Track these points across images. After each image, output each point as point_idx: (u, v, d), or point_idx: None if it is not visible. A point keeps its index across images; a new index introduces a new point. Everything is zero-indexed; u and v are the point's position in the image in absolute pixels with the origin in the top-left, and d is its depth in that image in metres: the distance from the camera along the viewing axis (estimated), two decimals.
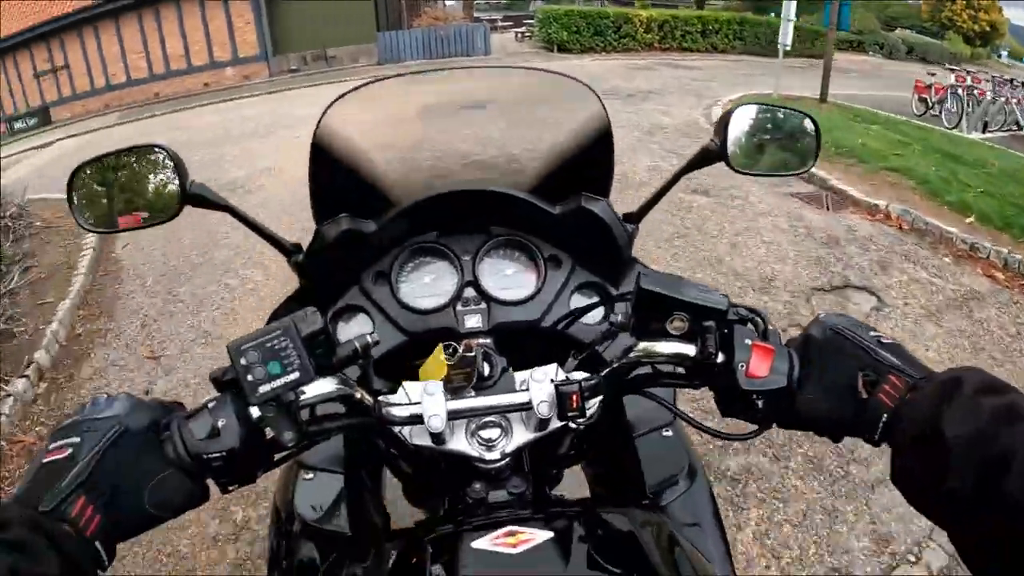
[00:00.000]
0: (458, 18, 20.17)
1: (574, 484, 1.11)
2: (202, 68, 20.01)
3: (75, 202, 0.90)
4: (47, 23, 21.52)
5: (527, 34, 23.08)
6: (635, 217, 1.00)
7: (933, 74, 12.23)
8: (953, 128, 10.67)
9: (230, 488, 0.64)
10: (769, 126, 1.02)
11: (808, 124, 1.00)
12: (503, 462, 0.75)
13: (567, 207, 0.94)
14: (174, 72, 20.03)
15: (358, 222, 0.92)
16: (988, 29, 52.92)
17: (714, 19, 21.86)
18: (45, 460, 0.57)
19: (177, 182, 0.86)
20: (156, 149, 0.88)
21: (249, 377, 0.61)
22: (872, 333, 0.64)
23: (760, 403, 0.66)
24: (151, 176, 0.94)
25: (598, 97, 0.96)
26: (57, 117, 23.31)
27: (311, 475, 0.91)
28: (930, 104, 11.78)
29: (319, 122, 0.93)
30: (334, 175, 0.98)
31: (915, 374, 0.59)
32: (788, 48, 10.40)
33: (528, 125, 1.12)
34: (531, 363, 0.77)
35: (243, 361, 0.62)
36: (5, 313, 3.87)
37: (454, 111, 1.11)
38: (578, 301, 0.96)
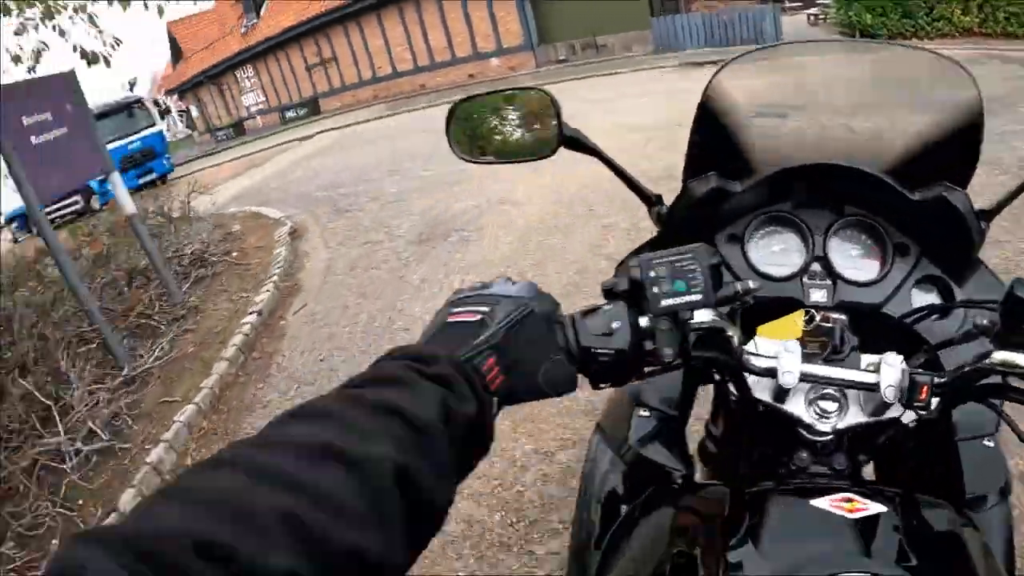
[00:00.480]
0: (740, 0, 17.83)
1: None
2: (466, 59, 20.64)
3: (452, 133, 1.03)
4: (314, 19, 23.44)
5: (821, 17, 20.11)
6: (988, 215, 0.95)
7: None
8: None
9: (601, 385, 0.70)
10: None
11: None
12: (830, 437, 0.77)
13: (926, 195, 0.91)
14: (439, 64, 21.23)
15: (726, 182, 0.97)
16: None
17: None
18: (451, 320, 0.65)
19: (555, 124, 0.96)
20: (537, 91, 0.99)
21: (655, 289, 0.68)
22: None
23: None
24: (530, 116, 1.04)
25: (974, 81, 0.92)
26: (326, 107, 24.76)
27: (647, 412, 0.97)
28: None
29: (708, 84, 0.98)
30: (712, 135, 1.02)
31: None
32: None
33: (898, 105, 1.12)
34: (870, 350, 0.77)
35: (652, 274, 0.68)
36: (113, 421, 3.49)
37: (830, 84, 1.16)
38: (918, 293, 0.96)
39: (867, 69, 1.17)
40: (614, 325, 0.68)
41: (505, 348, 0.63)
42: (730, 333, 0.72)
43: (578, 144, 0.97)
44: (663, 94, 10.27)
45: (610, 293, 0.71)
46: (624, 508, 0.90)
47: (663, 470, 0.93)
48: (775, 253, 1.02)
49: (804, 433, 0.79)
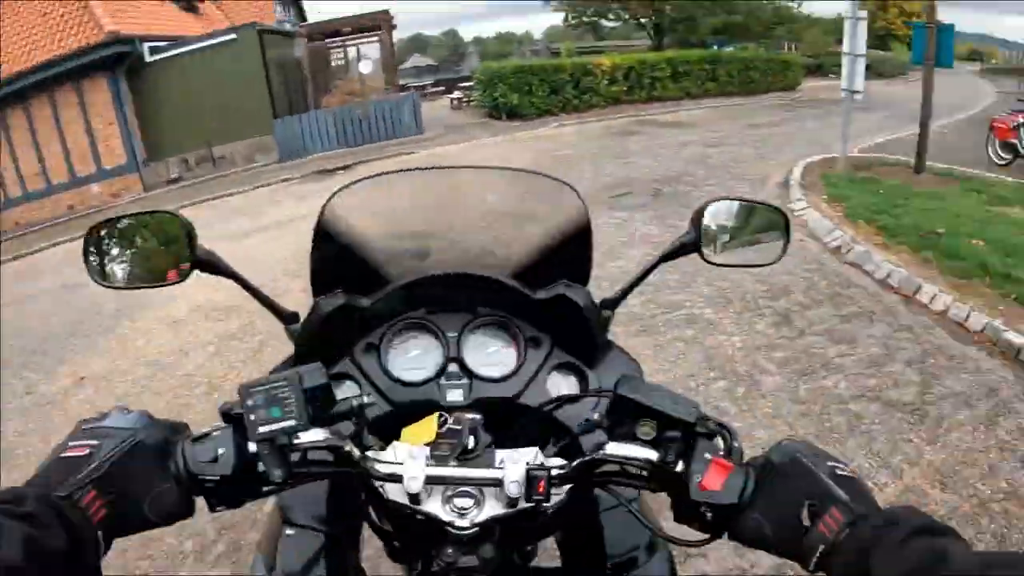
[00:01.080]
0: (379, 89, 17.21)
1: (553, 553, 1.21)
2: (65, 186, 16.87)
3: (90, 259, 1.05)
4: None
5: (465, 100, 18.80)
6: (612, 304, 1.11)
7: (1021, 111, 10.37)
8: None
9: (218, 508, 0.76)
10: (741, 220, 1.13)
11: (778, 219, 1.12)
12: (474, 530, 0.82)
13: (548, 293, 1.06)
14: (33, 194, 17.05)
15: (353, 298, 1.05)
16: None
17: (683, 60, 20.27)
18: (64, 455, 0.69)
19: (188, 247, 1.01)
20: (168, 215, 1.05)
21: (252, 417, 0.73)
22: (830, 463, 0.70)
23: (709, 515, 0.72)
24: (163, 239, 1.07)
25: (577, 193, 1.10)
26: None
27: (293, 531, 1.02)
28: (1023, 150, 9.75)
29: (324, 206, 1.07)
30: (333, 254, 1.11)
31: (857, 509, 0.64)
32: (859, 95, 8.78)
33: (513, 218, 1.27)
34: (519, 445, 0.86)
35: (249, 402, 0.73)
36: None
37: (445, 203, 1.26)
38: (555, 379, 1.07)
39: (482, 189, 1.30)
40: (220, 451, 0.74)
41: (107, 480, 0.67)
42: (346, 448, 0.79)
43: (212, 267, 1.02)
44: (276, 227, 9.15)
45: (226, 416, 0.77)
46: None
47: None
48: (413, 358, 1.09)
49: (450, 530, 0.83)
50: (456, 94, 20.81)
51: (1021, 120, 9.71)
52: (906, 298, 4.69)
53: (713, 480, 0.73)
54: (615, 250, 5.93)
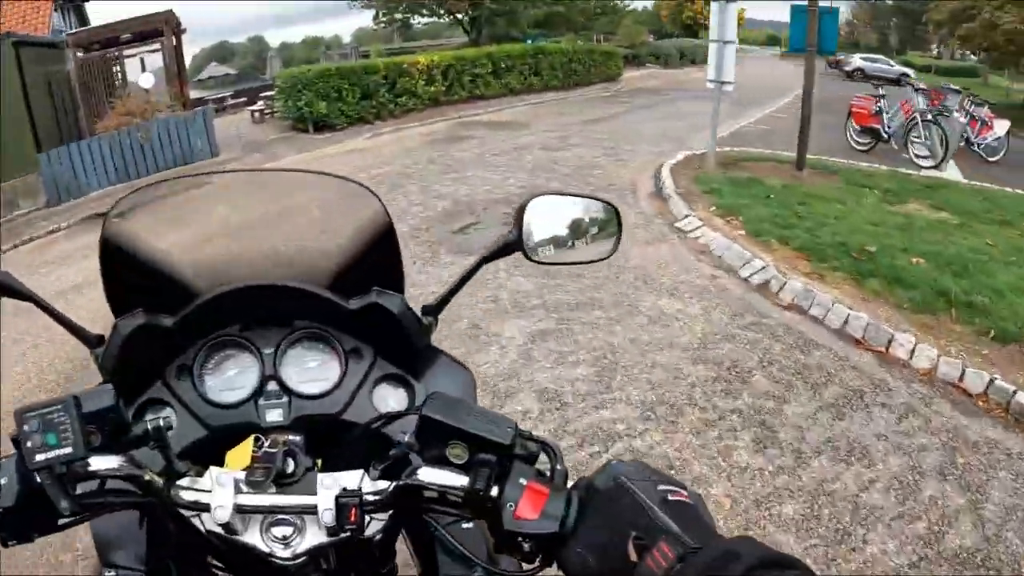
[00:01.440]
0: (163, 107, 14.07)
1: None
2: None
3: None
4: None
5: (268, 111, 15.90)
6: (434, 309, 1.09)
7: (881, 95, 10.33)
8: (933, 168, 9.10)
9: (8, 543, 0.71)
10: (568, 215, 1.09)
11: (609, 212, 1.09)
12: (300, 561, 0.79)
13: (361, 302, 1.03)
14: None
15: (155, 317, 0.98)
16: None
17: (505, 55, 19.16)
18: None
19: None
20: None
21: (28, 444, 0.67)
22: (662, 487, 0.64)
23: (528, 545, 0.68)
24: None
25: (377, 197, 1.07)
26: None
27: (113, 572, 0.96)
28: (887, 134, 9.86)
29: (107, 216, 1.01)
30: (127, 269, 1.05)
31: (690, 543, 0.59)
32: (729, 86, 7.97)
33: (317, 224, 1.25)
34: (350, 466, 0.82)
35: (25, 427, 0.68)
36: None
37: (244, 209, 1.21)
38: (382, 393, 1.05)
39: (281, 193, 1.24)
40: (2, 481, 0.70)
41: None
42: (146, 477, 0.74)
43: (8, 289, 0.96)
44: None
45: (15, 441, 0.70)
46: None
47: None
48: (230, 378, 1.04)
49: (274, 560, 0.79)
50: (258, 105, 17.83)
51: (882, 105, 9.67)
52: (880, 354, 3.85)
53: (528, 508, 0.68)
54: (489, 330, 4.27)
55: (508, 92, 18.23)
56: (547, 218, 1.08)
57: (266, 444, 0.82)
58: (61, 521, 0.74)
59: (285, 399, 1.03)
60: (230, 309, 1.05)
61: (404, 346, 1.07)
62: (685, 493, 0.65)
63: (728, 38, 7.22)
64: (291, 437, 0.88)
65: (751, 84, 23.08)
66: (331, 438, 0.98)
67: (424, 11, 28.86)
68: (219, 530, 0.78)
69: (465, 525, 0.94)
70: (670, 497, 0.64)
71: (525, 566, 0.72)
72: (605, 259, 1.10)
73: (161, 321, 1.00)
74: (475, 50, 19.00)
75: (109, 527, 0.90)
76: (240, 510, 0.76)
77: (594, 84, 21.26)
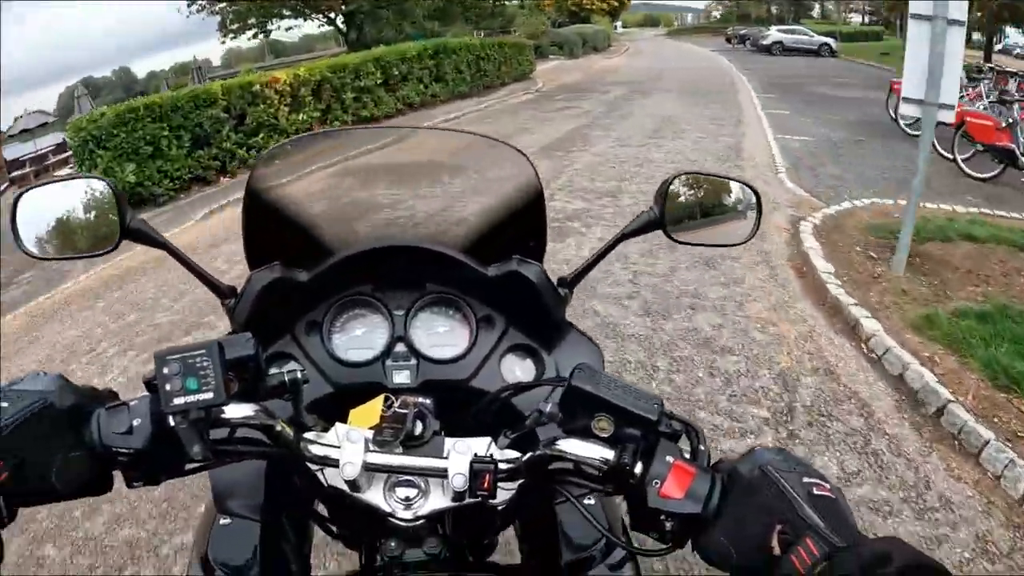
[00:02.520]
0: None
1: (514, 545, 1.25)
2: None
3: (18, 227, 1.03)
4: None
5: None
6: (570, 282, 1.13)
7: (1007, 101, 8.36)
8: None
9: (135, 484, 0.75)
10: (709, 196, 1.12)
11: (749, 195, 1.11)
12: (418, 523, 0.84)
13: (500, 270, 1.07)
14: None
15: (291, 271, 1.05)
16: (616, 4, 53.05)
17: (398, 57, 15.08)
18: None
19: (118, 216, 1.00)
20: (98, 180, 1.03)
21: (167, 387, 0.71)
22: (807, 479, 0.66)
23: (669, 524, 0.70)
24: (93, 207, 1.04)
25: (531, 163, 1.10)
26: None
27: (228, 520, 1.00)
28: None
29: (253, 170, 1.08)
30: (268, 222, 1.11)
31: (837, 542, 0.60)
32: (949, 114, 4.55)
33: (463, 186, 1.28)
34: (472, 432, 0.87)
35: (165, 370, 0.71)
36: None
37: (391, 167, 1.28)
38: (510, 362, 1.10)
39: (430, 153, 1.31)
40: (135, 423, 0.72)
41: (10, 443, 0.67)
42: (277, 428, 0.78)
43: (143, 236, 1.03)
44: None
45: (148, 385, 0.74)
46: None
47: None
48: (358, 337, 1.10)
49: (394, 521, 0.83)
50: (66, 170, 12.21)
51: (1016, 116, 7.59)
52: None
53: (674, 487, 0.69)
54: None
55: (407, 106, 15.19)
56: (688, 197, 1.10)
57: (396, 405, 0.85)
58: (188, 466, 0.77)
59: (413, 362, 1.06)
60: (364, 268, 1.09)
61: (538, 317, 1.10)
62: (828, 486, 0.67)
63: (954, 15, 4.12)
64: (421, 400, 0.90)
65: (681, 67, 24.12)
66: (453, 403, 0.98)
67: (285, 11, 22.93)
68: (343, 486, 0.82)
69: (587, 501, 0.95)
70: (815, 491, 0.65)
71: (658, 546, 0.74)
72: (743, 243, 1.12)
73: (296, 276, 1.05)
74: (358, 55, 14.41)
75: (227, 475, 0.93)
76: (368, 468, 0.80)
77: (507, 85, 19.50)
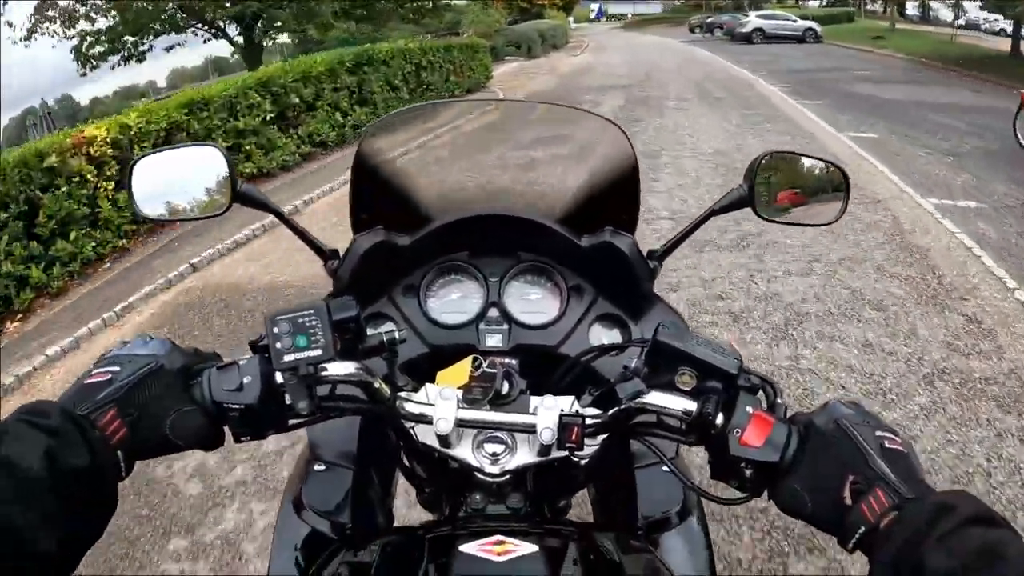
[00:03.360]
0: None
1: (585, 510, 1.40)
2: None
3: (134, 191, 1.13)
4: None
5: None
6: (659, 255, 1.20)
7: None
8: None
9: (242, 439, 0.83)
10: (797, 175, 1.16)
11: (838, 176, 1.16)
12: (504, 478, 0.93)
13: (593, 240, 1.14)
14: None
15: (393, 236, 1.14)
16: None
17: (300, 75, 9.84)
18: (86, 381, 0.77)
19: (229, 181, 1.10)
20: (211, 147, 1.12)
21: (277, 345, 0.79)
22: (879, 433, 0.73)
23: (748, 472, 0.77)
24: (204, 172, 1.11)
25: (627, 136, 1.17)
26: None
27: (323, 467, 1.11)
28: None
29: (362, 139, 1.19)
30: (373, 189, 1.20)
31: (905, 492, 0.66)
32: None
33: (559, 158, 1.34)
34: (554, 393, 0.96)
35: (275, 330, 0.80)
36: None
37: (490, 139, 1.34)
38: (597, 331, 1.18)
39: (528, 125, 1.36)
40: (245, 380, 0.80)
41: (127, 401, 0.75)
42: (376, 384, 0.87)
43: (253, 200, 1.12)
44: None
45: (253, 346, 0.85)
46: (310, 569, 1.03)
47: (338, 525, 1.07)
48: (453, 301, 1.19)
49: (479, 476, 0.93)
50: None
51: None
52: None
53: (754, 435, 0.75)
54: None
55: (317, 148, 10.44)
56: (777, 175, 1.16)
57: (484, 365, 0.93)
58: (292, 421, 0.86)
59: (505, 326, 1.15)
60: (461, 236, 1.18)
61: (627, 288, 1.17)
62: (899, 440, 0.73)
63: None
64: (508, 360, 1.02)
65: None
66: (536, 366, 1.09)
67: (155, 26, 16.74)
68: (434, 442, 0.91)
69: (664, 468, 1.02)
70: (887, 444, 0.71)
71: (735, 495, 0.82)
72: (830, 224, 1.20)
73: (397, 240, 1.14)
74: (239, 79, 9.04)
75: (323, 426, 0.99)
76: (460, 424, 0.88)
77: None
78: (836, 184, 1.15)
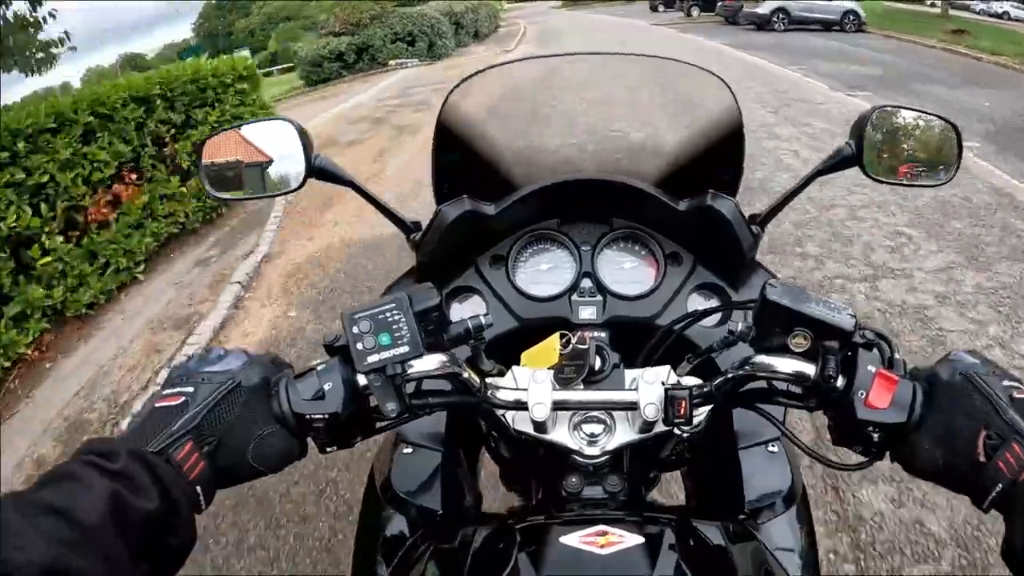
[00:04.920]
0: None
1: (671, 489, 1.40)
2: None
3: (204, 169, 1.13)
4: None
5: None
6: (761, 220, 1.14)
7: None
8: None
9: (328, 449, 0.80)
10: (907, 132, 1.11)
11: (951, 133, 1.11)
12: (602, 459, 0.90)
13: (693, 204, 1.08)
14: None
15: (478, 204, 1.09)
16: None
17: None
18: (157, 405, 0.73)
19: (303, 155, 1.07)
20: (285, 122, 1.09)
21: (359, 346, 0.75)
22: (1007, 383, 0.70)
23: (875, 436, 0.73)
24: (280, 148, 1.09)
25: (731, 90, 1.12)
26: None
27: (410, 450, 1.08)
28: None
29: (444, 103, 1.13)
30: (457, 156, 1.16)
31: None
32: None
33: (657, 116, 1.25)
34: (646, 365, 0.94)
35: (355, 330, 0.75)
36: None
37: (581, 97, 1.27)
38: (696, 302, 1.14)
39: (620, 80, 1.27)
40: (327, 387, 0.76)
41: (204, 430, 0.72)
42: (464, 375, 0.83)
43: (328, 174, 1.09)
44: None
45: (330, 348, 0.81)
46: (398, 554, 1.01)
47: (427, 510, 1.04)
48: (543, 272, 1.15)
49: (576, 458, 0.90)
50: None
51: None
52: None
53: (880, 396, 0.71)
54: None
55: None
56: (885, 133, 1.10)
57: (574, 341, 0.90)
58: (380, 424, 0.83)
59: (599, 298, 1.10)
60: (550, 202, 1.13)
61: (729, 256, 1.12)
62: None
63: None
64: (598, 334, 0.98)
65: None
66: (627, 337, 1.06)
67: None
68: (528, 428, 0.87)
69: (771, 449, 1.01)
70: (1015, 395, 0.68)
71: (857, 460, 0.78)
72: (944, 183, 1.13)
73: (484, 209, 1.08)
74: None
75: None
76: (556, 407, 0.84)
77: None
78: (946, 140, 1.09)
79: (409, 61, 18.84)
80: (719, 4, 28.18)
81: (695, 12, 30.40)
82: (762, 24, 23.42)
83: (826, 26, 22.85)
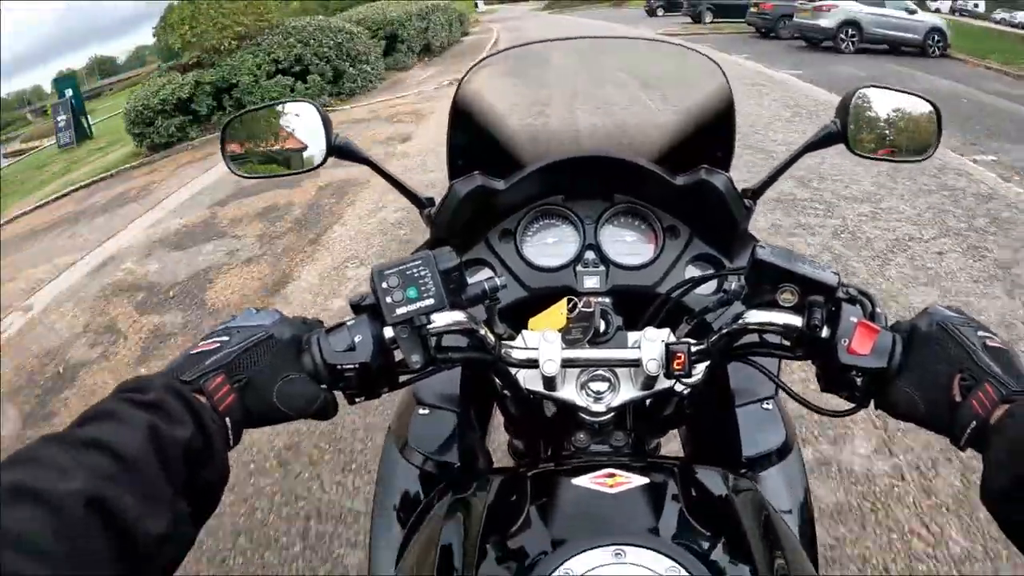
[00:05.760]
0: None
1: (672, 450, 1.39)
2: None
3: (227, 149, 1.19)
4: None
5: None
6: (753, 193, 1.21)
7: None
8: None
9: (356, 400, 0.86)
10: (889, 110, 1.17)
11: (931, 112, 1.19)
12: (608, 416, 0.97)
13: (688, 179, 1.17)
14: None
15: (489, 180, 1.17)
16: None
17: None
18: (193, 351, 0.78)
19: (323, 135, 1.13)
20: (304, 103, 1.16)
21: (388, 299, 0.81)
22: (981, 333, 0.76)
23: (858, 381, 0.81)
24: (299, 128, 1.14)
25: (722, 71, 1.19)
26: None
27: (426, 411, 1.16)
28: None
29: (459, 85, 1.20)
30: (470, 135, 1.23)
31: (1014, 386, 0.68)
32: None
33: (654, 96, 1.35)
34: (645, 326, 1.01)
35: (384, 284, 0.81)
36: None
37: (584, 79, 1.36)
38: (693, 271, 1.22)
39: (620, 63, 1.35)
40: (356, 339, 0.81)
41: (235, 367, 0.76)
42: (481, 332, 0.88)
43: (348, 153, 1.15)
44: None
45: (357, 307, 0.87)
46: (416, 511, 1.09)
47: (444, 465, 1.12)
48: (549, 245, 1.23)
49: (582, 415, 0.98)
50: None
51: None
52: None
53: (861, 344, 0.78)
54: None
55: None
56: (869, 111, 1.16)
57: (580, 305, 0.96)
58: (403, 377, 0.89)
59: (602, 268, 1.19)
60: (556, 178, 1.21)
61: (722, 228, 1.19)
62: (999, 339, 0.76)
63: None
64: (603, 299, 1.04)
65: None
66: (628, 305, 1.12)
67: None
68: (538, 386, 0.94)
69: (766, 407, 1.09)
70: (989, 343, 0.73)
71: (844, 407, 0.85)
72: (924, 159, 1.20)
73: (495, 185, 1.16)
74: None
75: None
76: (565, 364, 0.90)
77: None
78: (927, 118, 1.15)
79: (326, 102, 12.02)
80: (749, 11, 20.88)
81: (707, 18, 24.72)
82: (817, 41, 17.06)
83: (896, 47, 16.76)
